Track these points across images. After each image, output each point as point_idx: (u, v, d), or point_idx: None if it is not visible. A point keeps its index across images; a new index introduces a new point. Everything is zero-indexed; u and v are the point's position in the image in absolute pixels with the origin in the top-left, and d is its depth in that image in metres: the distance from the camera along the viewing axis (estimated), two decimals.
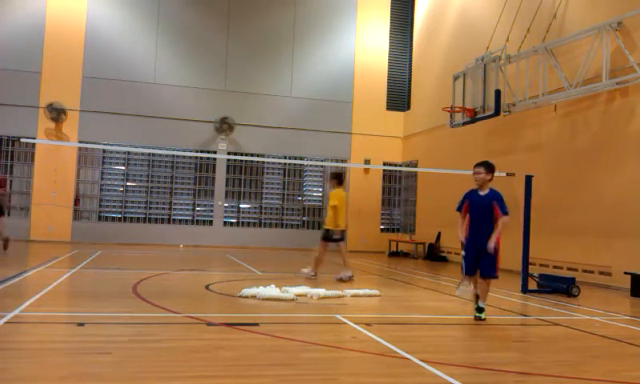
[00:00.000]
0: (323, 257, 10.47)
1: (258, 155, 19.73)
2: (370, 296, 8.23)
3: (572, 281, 9.42)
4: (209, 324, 5.69)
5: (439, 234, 17.83)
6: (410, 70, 21.26)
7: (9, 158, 18.26)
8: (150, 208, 19.25)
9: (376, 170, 20.73)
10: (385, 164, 20.63)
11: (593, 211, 11.63)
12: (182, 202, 19.59)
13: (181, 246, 18.56)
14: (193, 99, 19.49)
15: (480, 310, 6.57)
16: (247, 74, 19.94)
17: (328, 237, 10.39)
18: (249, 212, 20.10)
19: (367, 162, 20.15)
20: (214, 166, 19.73)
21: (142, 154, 19.15)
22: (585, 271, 11.63)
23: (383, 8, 21.29)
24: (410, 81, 21.23)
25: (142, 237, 18.61)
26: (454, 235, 18.93)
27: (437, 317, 7.09)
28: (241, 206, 20.06)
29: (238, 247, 18.65)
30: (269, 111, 20.02)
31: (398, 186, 21.44)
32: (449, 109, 15.28)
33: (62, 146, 18.35)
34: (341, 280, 10.05)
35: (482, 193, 6.95)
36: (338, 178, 10.62)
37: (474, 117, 14.40)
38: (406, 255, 18.99)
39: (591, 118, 11.96)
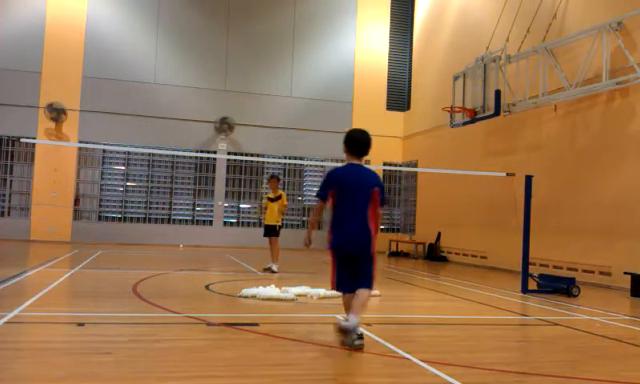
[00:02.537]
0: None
1: (257, 155, 19.73)
2: (369, 296, 8.21)
3: (572, 281, 9.42)
4: (209, 324, 5.69)
5: (439, 234, 17.84)
6: (410, 70, 21.25)
7: (9, 158, 18.26)
8: (150, 208, 19.25)
9: (376, 170, 20.68)
10: (385, 164, 20.63)
11: (593, 211, 11.63)
12: (182, 202, 19.59)
13: (181, 246, 18.56)
14: (193, 99, 19.48)
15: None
16: (247, 74, 19.93)
17: (277, 232, 11.48)
18: (249, 212, 20.10)
19: (367, 162, 20.07)
20: (214, 165, 19.73)
21: (142, 153, 19.15)
22: (585, 271, 11.63)
23: (383, 8, 21.29)
24: (409, 81, 21.23)
25: (142, 237, 18.61)
26: (454, 235, 19.03)
27: (437, 317, 7.09)
28: (241, 206, 20.05)
29: (238, 247, 18.64)
30: (269, 111, 20.02)
31: (398, 186, 21.44)
32: (449, 109, 15.28)
33: (62, 145, 18.35)
34: (269, 271, 11.07)
35: None
36: (279, 180, 12.00)
37: (473, 117, 14.40)
38: (406, 255, 18.99)
39: (591, 118, 11.96)
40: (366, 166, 5.22)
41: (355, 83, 20.87)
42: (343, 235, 4.98)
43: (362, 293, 4.97)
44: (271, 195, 11.56)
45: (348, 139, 5.20)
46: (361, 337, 4.77)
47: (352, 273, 5.01)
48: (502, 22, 14.69)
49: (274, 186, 11.56)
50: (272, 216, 11.40)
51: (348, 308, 5.02)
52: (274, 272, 10.97)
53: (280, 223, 11.46)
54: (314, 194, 20.85)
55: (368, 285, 5.02)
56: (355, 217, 4.96)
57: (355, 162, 5.20)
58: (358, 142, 5.19)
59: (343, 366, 4.48)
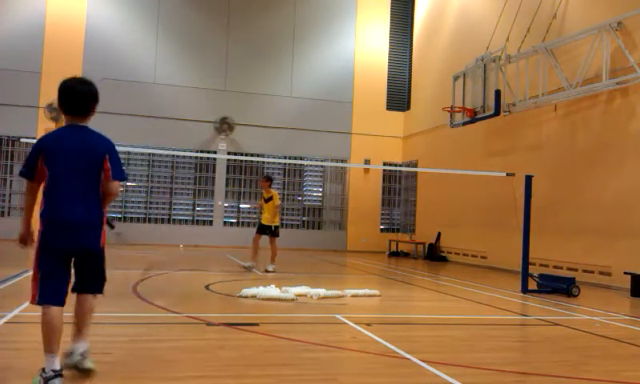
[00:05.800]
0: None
1: (258, 155, 19.73)
2: (369, 296, 8.23)
3: (572, 281, 9.42)
4: (209, 324, 5.69)
5: (439, 234, 17.83)
6: (410, 70, 21.25)
7: (9, 158, 18.26)
8: (150, 208, 19.24)
9: (376, 170, 20.72)
10: (385, 164, 20.63)
11: (593, 211, 11.63)
12: (182, 202, 19.59)
13: (181, 246, 18.56)
14: (193, 99, 19.48)
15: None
16: (247, 74, 19.93)
17: (277, 232, 11.51)
18: (249, 212, 20.10)
19: (367, 162, 20.15)
20: (214, 165, 19.73)
21: (142, 153, 19.15)
22: (585, 271, 11.63)
23: (383, 8, 21.28)
24: (410, 81, 21.23)
25: (142, 237, 18.60)
26: (454, 235, 18.99)
27: (437, 317, 7.10)
28: (241, 206, 20.06)
29: (238, 247, 18.63)
30: (269, 111, 20.02)
31: (397, 186, 21.44)
32: (449, 109, 15.28)
33: None
34: (267, 271, 11.03)
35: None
36: (272, 180, 11.97)
37: (474, 117, 14.40)
38: (406, 255, 18.99)
39: (591, 118, 11.96)
40: (93, 129, 3.80)
41: (355, 83, 20.86)
42: (58, 223, 3.60)
43: (90, 301, 3.72)
44: (265, 195, 11.62)
45: (59, 93, 3.69)
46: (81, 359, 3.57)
47: (67, 276, 3.65)
48: (502, 22, 14.68)
49: (266, 186, 11.63)
50: (266, 216, 11.49)
51: (57, 331, 3.47)
52: (268, 272, 11.00)
53: (277, 224, 11.50)
54: (313, 193, 20.86)
55: (99, 289, 3.78)
56: (76, 197, 3.62)
57: (78, 123, 3.73)
58: (71, 95, 3.68)
59: (343, 366, 4.48)
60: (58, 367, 3.43)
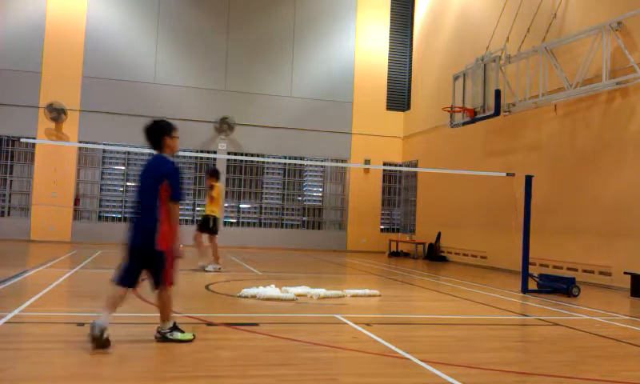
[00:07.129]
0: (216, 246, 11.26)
1: (257, 155, 19.72)
2: (369, 296, 8.23)
3: (572, 281, 9.42)
4: (209, 324, 5.69)
5: (439, 234, 17.83)
6: (410, 70, 21.25)
7: (9, 158, 18.26)
8: None
9: (376, 170, 20.72)
10: (385, 164, 20.63)
11: (593, 211, 11.63)
12: (182, 202, 19.55)
13: (180, 246, 18.52)
14: (193, 99, 19.48)
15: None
16: (247, 74, 19.93)
17: (215, 229, 11.24)
18: (249, 212, 20.10)
19: (367, 162, 20.15)
20: (214, 166, 19.72)
21: (142, 153, 19.14)
22: (585, 271, 11.63)
23: (383, 8, 21.28)
24: (409, 81, 21.23)
25: None
26: (454, 235, 18.95)
27: (437, 317, 7.10)
28: (241, 206, 20.06)
29: (238, 247, 18.64)
30: (269, 111, 20.02)
31: (398, 186, 21.44)
32: (449, 109, 15.28)
33: (62, 145, 18.34)
34: (206, 270, 10.77)
35: None
36: (218, 174, 11.75)
37: (474, 117, 14.40)
38: (406, 255, 18.99)
39: (591, 118, 11.96)
40: (163, 155, 5.18)
41: (355, 83, 20.86)
42: (130, 227, 4.81)
43: (160, 294, 4.93)
44: (207, 186, 11.61)
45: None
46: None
47: (139, 269, 4.81)
48: (502, 22, 14.69)
49: (214, 180, 11.35)
50: (206, 205, 11.38)
51: (113, 306, 4.72)
52: (207, 271, 10.66)
53: (216, 215, 11.15)
54: (313, 193, 20.88)
55: (163, 283, 4.93)
56: (140, 207, 4.84)
57: (155, 152, 5.17)
58: (146, 133, 5.26)
59: (343, 366, 4.49)
60: None
